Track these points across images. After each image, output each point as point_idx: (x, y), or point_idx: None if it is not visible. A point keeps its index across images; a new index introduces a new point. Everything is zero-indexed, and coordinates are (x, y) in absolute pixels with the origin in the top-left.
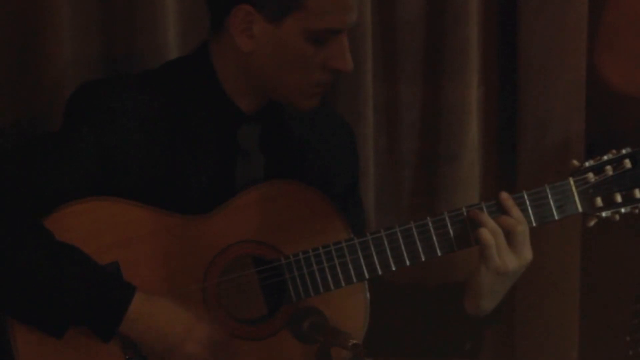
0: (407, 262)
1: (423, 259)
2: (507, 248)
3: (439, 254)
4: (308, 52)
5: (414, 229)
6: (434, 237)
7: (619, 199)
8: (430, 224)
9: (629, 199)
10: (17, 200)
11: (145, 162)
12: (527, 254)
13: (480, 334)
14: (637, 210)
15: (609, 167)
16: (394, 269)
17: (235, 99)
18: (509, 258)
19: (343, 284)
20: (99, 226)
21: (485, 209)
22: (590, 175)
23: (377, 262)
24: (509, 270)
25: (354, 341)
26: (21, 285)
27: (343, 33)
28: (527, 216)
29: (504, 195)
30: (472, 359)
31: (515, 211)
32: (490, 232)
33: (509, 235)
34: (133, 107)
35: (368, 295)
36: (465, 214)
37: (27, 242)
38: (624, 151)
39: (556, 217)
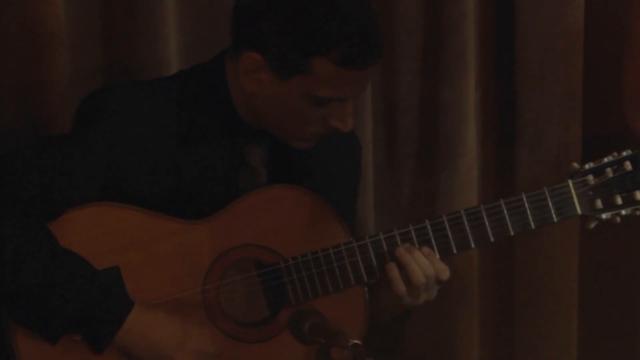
0: None
1: None
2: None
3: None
4: (309, 109)
5: (412, 232)
6: (433, 240)
7: (619, 200)
8: (428, 227)
9: (629, 201)
10: (23, 202)
11: (151, 171)
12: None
13: (398, 333)
14: (638, 212)
15: (609, 170)
16: None
17: (242, 114)
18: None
19: (342, 287)
20: (100, 231)
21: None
22: (590, 177)
23: (375, 266)
24: (417, 302)
25: (354, 341)
26: (20, 287)
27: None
28: (525, 218)
29: (399, 251)
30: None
31: (415, 264)
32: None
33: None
34: (143, 115)
35: (367, 295)
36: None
37: (30, 246)
38: (624, 153)
39: (555, 220)
